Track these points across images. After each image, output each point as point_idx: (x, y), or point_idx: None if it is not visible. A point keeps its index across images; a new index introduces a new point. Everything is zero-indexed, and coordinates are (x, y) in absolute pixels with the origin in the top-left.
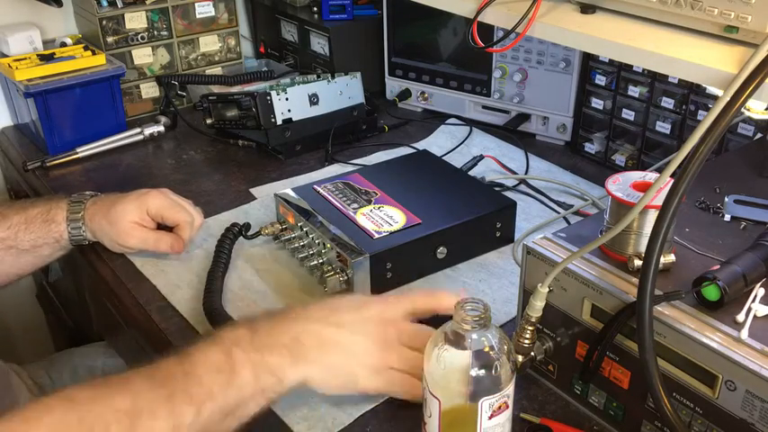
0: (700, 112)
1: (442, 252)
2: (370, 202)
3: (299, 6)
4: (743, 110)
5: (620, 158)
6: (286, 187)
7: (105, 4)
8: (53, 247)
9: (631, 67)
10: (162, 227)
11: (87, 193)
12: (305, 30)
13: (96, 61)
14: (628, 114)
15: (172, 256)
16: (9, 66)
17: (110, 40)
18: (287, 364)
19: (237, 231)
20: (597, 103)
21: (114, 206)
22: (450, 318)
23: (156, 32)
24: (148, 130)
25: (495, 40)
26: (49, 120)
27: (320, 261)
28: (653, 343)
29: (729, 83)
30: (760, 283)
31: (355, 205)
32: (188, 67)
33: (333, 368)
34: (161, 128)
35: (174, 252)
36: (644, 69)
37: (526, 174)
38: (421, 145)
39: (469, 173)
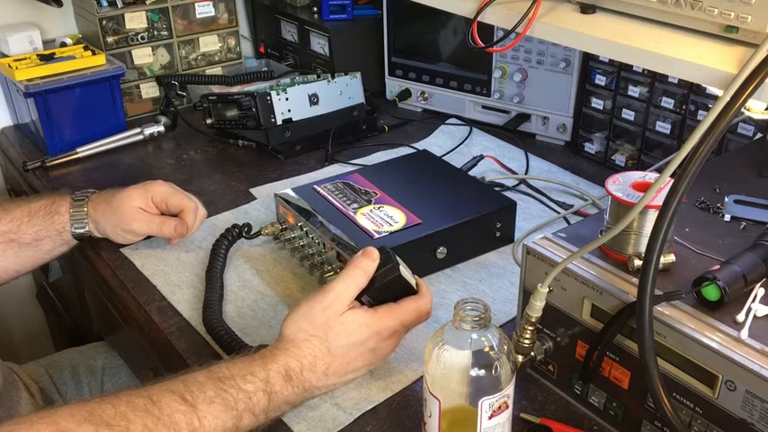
0: (700, 112)
1: (442, 252)
2: (370, 202)
3: (299, 6)
4: (743, 110)
5: (620, 158)
6: (286, 187)
7: (105, 4)
8: (55, 241)
9: (631, 67)
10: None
11: (90, 190)
12: (305, 30)
13: (96, 61)
14: (628, 114)
15: (172, 255)
16: (9, 66)
17: (110, 40)
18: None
19: (236, 234)
20: (597, 103)
21: (119, 193)
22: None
23: (156, 32)
24: (148, 130)
25: (495, 40)
26: (49, 120)
27: (320, 261)
28: (653, 343)
29: (729, 83)
30: (760, 283)
31: (355, 205)
32: (188, 67)
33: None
34: (161, 128)
35: (177, 236)
36: (644, 69)
37: (526, 174)
38: (421, 145)
39: (469, 173)
